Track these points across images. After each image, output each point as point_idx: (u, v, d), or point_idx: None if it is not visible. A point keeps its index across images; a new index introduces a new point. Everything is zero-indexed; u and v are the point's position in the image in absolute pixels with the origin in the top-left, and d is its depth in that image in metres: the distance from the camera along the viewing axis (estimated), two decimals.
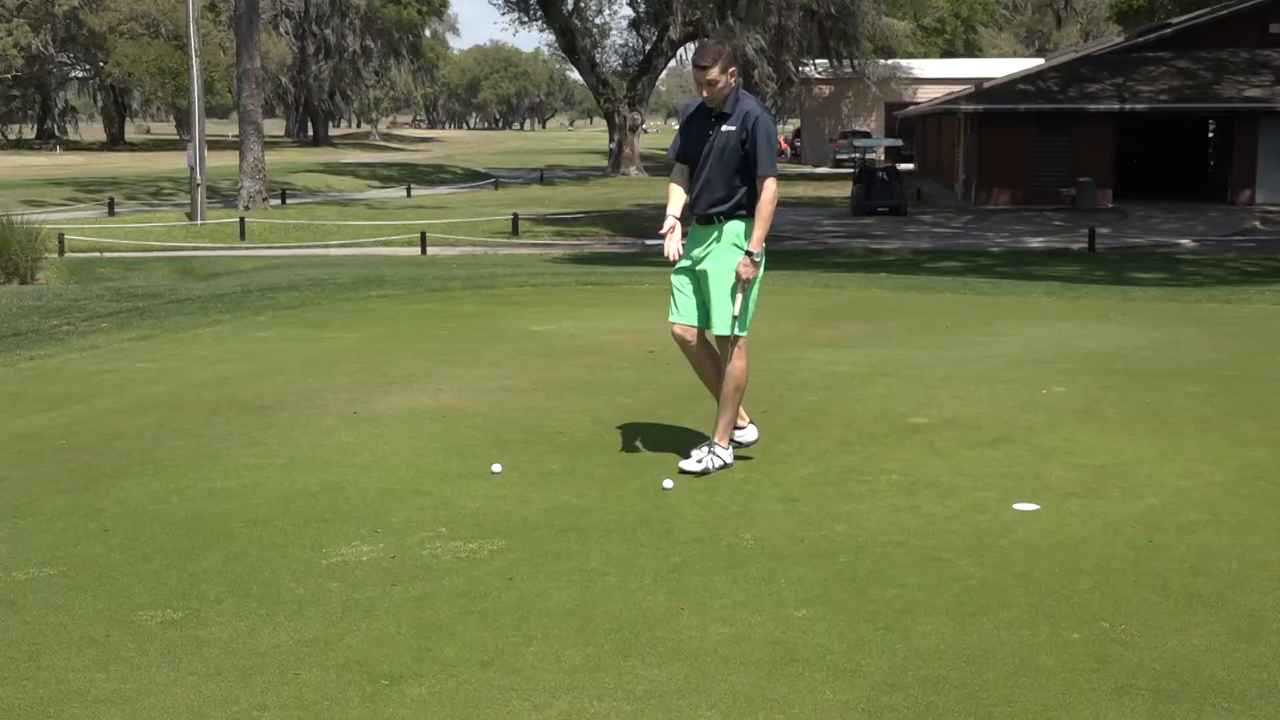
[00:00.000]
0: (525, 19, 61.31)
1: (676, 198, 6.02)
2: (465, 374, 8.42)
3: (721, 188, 5.87)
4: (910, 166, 56.39)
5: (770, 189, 5.83)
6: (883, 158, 55.13)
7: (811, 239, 29.62)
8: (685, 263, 6.03)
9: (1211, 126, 39.54)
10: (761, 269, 5.97)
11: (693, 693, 3.62)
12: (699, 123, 5.96)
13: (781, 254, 25.71)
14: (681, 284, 6.06)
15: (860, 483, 5.73)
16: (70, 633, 4.10)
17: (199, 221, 32.42)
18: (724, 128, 5.84)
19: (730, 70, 5.78)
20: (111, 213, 36.01)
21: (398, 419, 7.08)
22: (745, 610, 4.22)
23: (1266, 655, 3.84)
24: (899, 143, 46.53)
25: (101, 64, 74.51)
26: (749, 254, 5.85)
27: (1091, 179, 35.07)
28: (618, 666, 3.80)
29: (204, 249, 28.11)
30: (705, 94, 5.82)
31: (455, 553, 4.83)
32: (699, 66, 5.76)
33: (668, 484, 5.70)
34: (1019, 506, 5.34)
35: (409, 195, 47.20)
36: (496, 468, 5.97)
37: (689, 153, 5.99)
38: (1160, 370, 8.37)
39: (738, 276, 5.87)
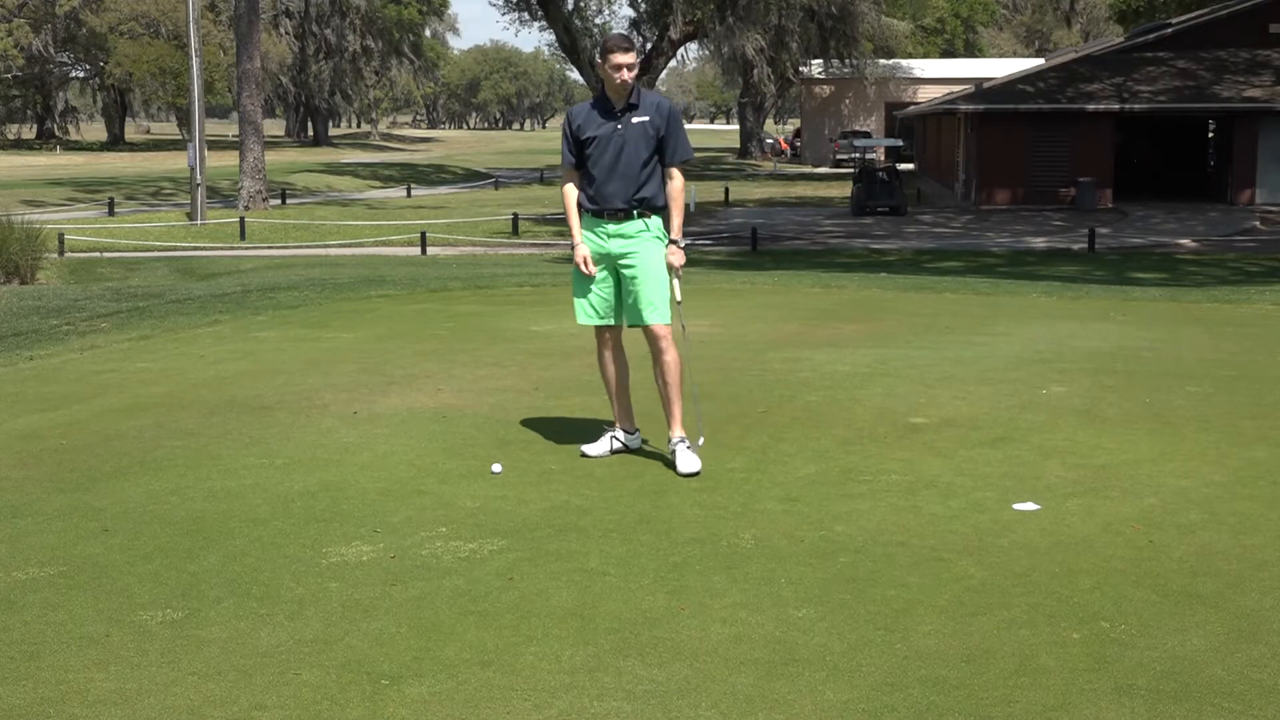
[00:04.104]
0: (526, 19, 61.29)
1: (577, 217, 6.11)
2: (465, 374, 8.42)
3: (636, 179, 5.99)
4: (910, 166, 56.39)
5: (681, 176, 6.10)
6: (883, 158, 55.13)
7: (811, 239, 29.62)
8: (605, 260, 6.12)
9: (1211, 126, 39.56)
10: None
11: (693, 693, 3.62)
12: (598, 120, 6.03)
13: (782, 254, 25.71)
14: (598, 283, 6.11)
15: (860, 483, 5.73)
16: (70, 633, 4.10)
17: (199, 221, 32.43)
18: (634, 119, 5.99)
19: (637, 61, 6.00)
20: (111, 213, 36.02)
21: (398, 419, 7.08)
22: (745, 610, 4.22)
23: (1266, 655, 3.83)
24: (899, 143, 46.52)
25: (102, 64, 74.51)
26: (674, 242, 6.06)
27: (1091, 179, 35.08)
28: (618, 666, 3.80)
29: (204, 249, 28.10)
30: (623, 77, 5.93)
31: (455, 553, 4.83)
32: (623, 50, 5.93)
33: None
34: (1019, 506, 5.34)
35: (409, 195, 47.22)
36: (496, 468, 5.97)
37: (592, 150, 6.03)
38: (1160, 370, 8.37)
39: (670, 267, 6.06)
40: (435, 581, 4.52)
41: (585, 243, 6.08)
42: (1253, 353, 9.17)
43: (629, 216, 6.02)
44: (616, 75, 5.93)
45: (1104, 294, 13.59)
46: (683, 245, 6.11)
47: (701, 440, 6.19)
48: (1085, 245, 26.24)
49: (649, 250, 6.03)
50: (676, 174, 6.09)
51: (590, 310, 6.17)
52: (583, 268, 6.05)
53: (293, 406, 7.45)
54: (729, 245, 28.52)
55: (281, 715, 3.51)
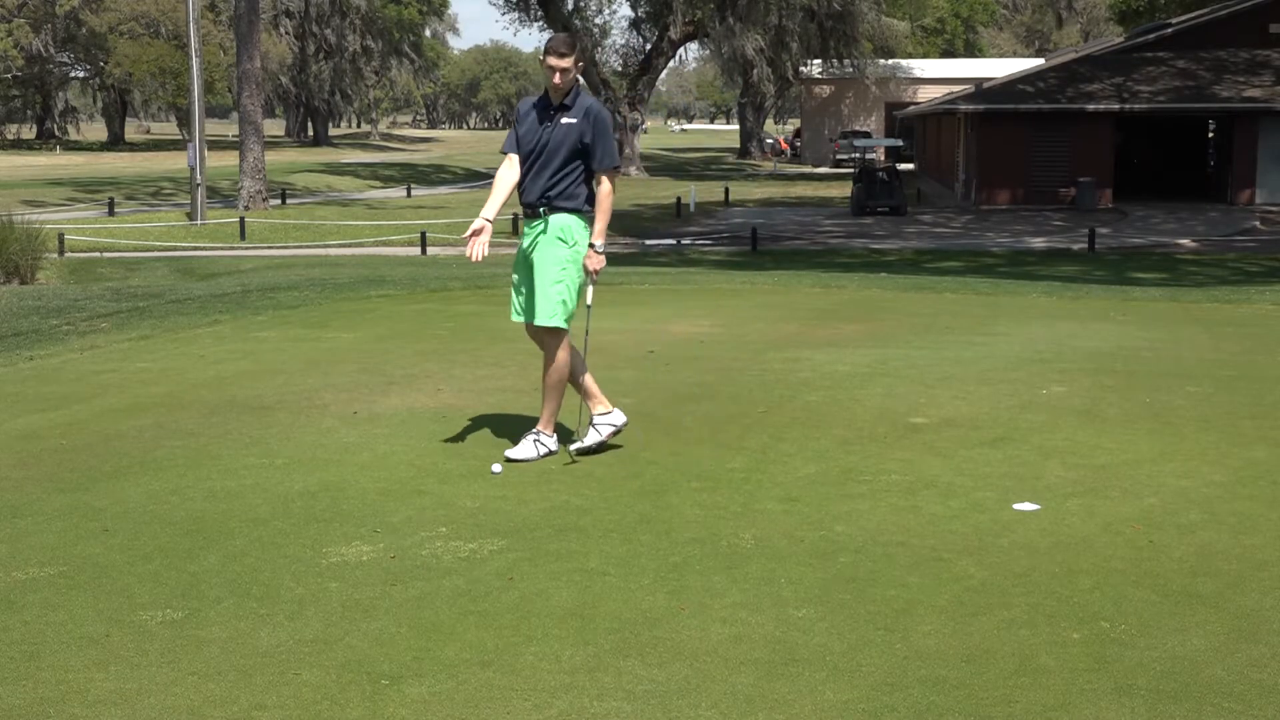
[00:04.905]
0: (525, 19, 61.32)
1: (498, 197, 6.15)
2: (465, 374, 8.42)
3: (550, 177, 6.06)
4: (910, 166, 56.40)
5: (609, 182, 6.13)
6: (883, 158, 55.13)
7: (811, 239, 29.63)
8: (522, 258, 6.23)
9: (1211, 126, 39.57)
10: (567, 251, 6.15)
11: (693, 693, 3.62)
12: (537, 114, 6.14)
13: (782, 254, 25.72)
14: (524, 281, 6.24)
15: (860, 483, 5.73)
16: (70, 633, 4.10)
17: (199, 221, 32.43)
18: (564, 120, 6.05)
19: (579, 63, 6.03)
20: (111, 213, 36.03)
21: (398, 419, 7.08)
22: (745, 610, 4.22)
23: (1266, 655, 3.84)
24: (899, 143, 46.55)
25: (102, 64, 74.51)
26: (592, 246, 6.10)
27: (1091, 179, 35.09)
28: (618, 666, 3.80)
29: (204, 249, 28.11)
30: (556, 81, 6.00)
31: (455, 553, 4.83)
32: (559, 54, 5.97)
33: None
34: (1019, 506, 5.34)
35: (409, 195, 47.22)
36: (496, 468, 5.98)
37: (523, 144, 6.14)
38: (1160, 370, 8.37)
39: (586, 270, 6.12)
40: (435, 581, 4.52)
41: (486, 243, 6.16)
42: (1253, 353, 9.17)
43: (536, 215, 6.12)
44: (551, 76, 6.02)
45: (1104, 294, 13.59)
46: (601, 251, 6.12)
47: (586, 438, 6.25)
48: (1085, 245, 26.25)
49: (543, 251, 6.11)
50: (604, 180, 6.13)
51: (515, 307, 6.30)
52: (469, 241, 6.05)
53: (293, 406, 7.45)
54: (729, 245, 28.53)
55: (281, 715, 3.51)
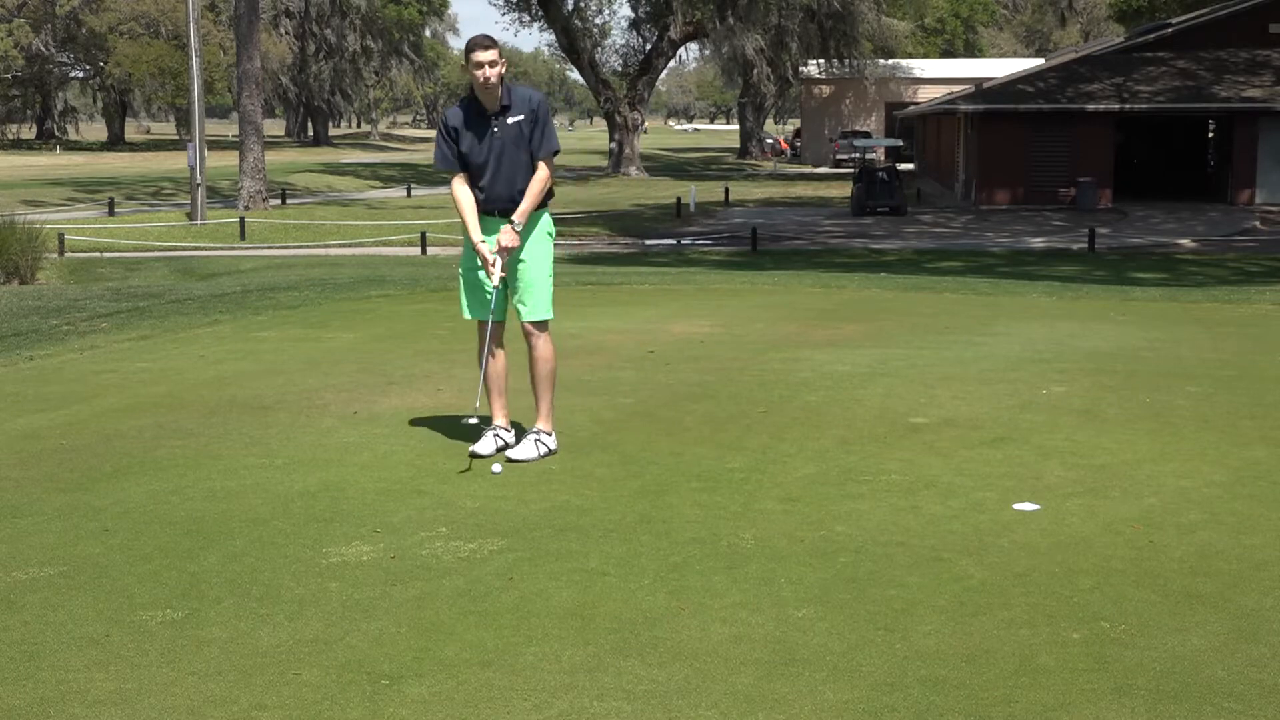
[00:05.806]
0: (525, 19, 61.31)
1: (473, 216, 6.14)
2: (465, 374, 8.41)
3: (522, 178, 6.07)
4: (910, 166, 56.40)
5: (547, 168, 6.11)
6: (883, 158, 55.14)
7: (811, 239, 29.63)
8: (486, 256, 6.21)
9: (1211, 126, 39.57)
10: (551, 245, 6.27)
11: (693, 693, 3.62)
12: (474, 125, 6.07)
13: (782, 254, 25.72)
14: (484, 279, 6.21)
15: (860, 483, 5.73)
16: (70, 633, 4.10)
17: (199, 221, 32.44)
18: (508, 120, 6.04)
19: (503, 60, 6.01)
20: (111, 213, 36.03)
21: (398, 419, 7.08)
22: (745, 610, 4.22)
23: (1266, 655, 3.84)
24: (899, 143, 46.52)
25: (102, 64, 74.54)
26: (511, 223, 6.05)
27: (1091, 179, 35.08)
28: (618, 666, 3.80)
29: (204, 249, 28.11)
30: (484, 76, 5.94)
31: (455, 553, 4.83)
32: (484, 48, 5.92)
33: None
34: (1019, 506, 5.34)
35: (409, 195, 47.21)
36: (496, 468, 5.98)
37: (471, 158, 6.10)
38: (1160, 370, 8.37)
39: (500, 248, 6.04)
40: (435, 581, 4.52)
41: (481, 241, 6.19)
42: (1253, 353, 9.17)
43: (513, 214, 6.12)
44: (479, 74, 5.95)
45: (1104, 294, 13.59)
46: (518, 229, 6.07)
47: (475, 420, 6.23)
48: (1085, 245, 26.25)
49: (533, 248, 6.16)
50: (543, 166, 6.10)
51: (475, 304, 6.29)
52: (488, 269, 6.08)
53: (293, 406, 7.45)
54: (729, 245, 28.53)
55: (281, 715, 3.51)
